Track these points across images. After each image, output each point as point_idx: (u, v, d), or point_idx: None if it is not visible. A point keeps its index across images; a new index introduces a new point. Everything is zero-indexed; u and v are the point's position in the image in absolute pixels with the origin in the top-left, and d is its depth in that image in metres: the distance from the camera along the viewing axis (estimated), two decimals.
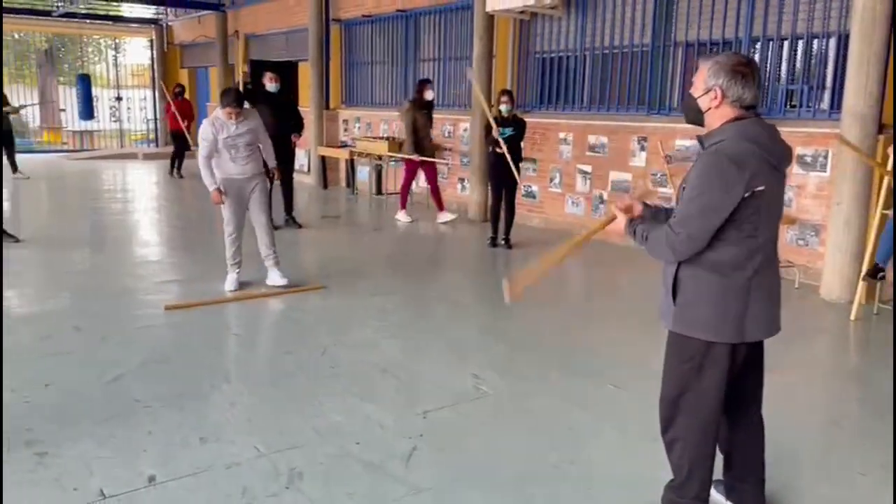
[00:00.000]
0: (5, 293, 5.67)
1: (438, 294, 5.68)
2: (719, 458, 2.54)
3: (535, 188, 8.60)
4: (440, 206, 8.86)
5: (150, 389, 3.62)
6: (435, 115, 10.09)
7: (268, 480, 2.78)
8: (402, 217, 8.82)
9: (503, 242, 7.28)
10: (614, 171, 7.65)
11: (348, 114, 12.16)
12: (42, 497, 2.62)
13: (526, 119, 7.41)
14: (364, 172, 11.17)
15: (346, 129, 12.21)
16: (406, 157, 8.73)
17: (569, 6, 8.14)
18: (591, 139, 7.89)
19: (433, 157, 8.83)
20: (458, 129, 9.74)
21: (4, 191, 7.27)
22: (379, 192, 10.58)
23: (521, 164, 7.28)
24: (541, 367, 4.10)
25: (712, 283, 2.25)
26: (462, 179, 9.69)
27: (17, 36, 21.23)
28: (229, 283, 5.49)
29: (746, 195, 2.14)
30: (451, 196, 9.93)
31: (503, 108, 7.07)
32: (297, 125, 8.25)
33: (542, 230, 8.18)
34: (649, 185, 7.20)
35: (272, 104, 7.65)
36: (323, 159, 11.90)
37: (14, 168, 12.03)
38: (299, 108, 8.67)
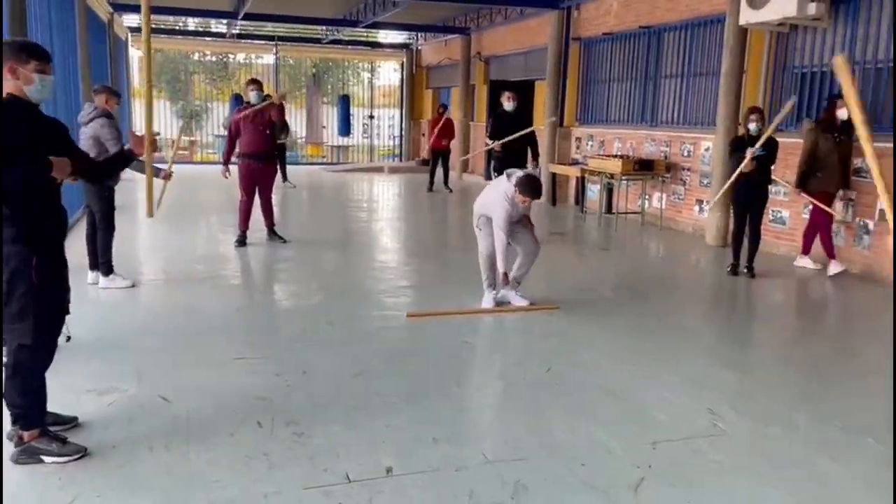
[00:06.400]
0: (276, 287, 6.48)
1: (671, 321, 5.44)
2: None
3: (785, 213, 7.89)
4: (830, 254, 6.95)
5: (390, 385, 3.89)
6: (673, 134, 9.75)
7: (494, 488, 2.85)
8: (806, 263, 7.21)
9: (745, 271, 6.76)
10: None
11: (581, 131, 12.14)
12: (299, 472, 2.93)
13: (779, 139, 6.84)
14: (594, 191, 11.06)
15: (578, 147, 12.20)
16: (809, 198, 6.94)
17: (836, 16, 7.38)
18: (857, 162, 7.05)
19: (832, 196, 6.89)
20: (698, 148, 9.27)
21: (275, 197, 8.27)
22: (609, 210, 10.40)
23: (770, 188, 6.78)
24: (785, 408, 3.75)
25: None
26: (700, 201, 9.19)
27: (291, 61, 24.17)
28: (486, 302, 5.55)
29: None
30: (687, 219, 9.47)
31: (752, 126, 6.59)
32: (534, 151, 8.45)
33: (790, 259, 7.48)
34: None
35: (509, 123, 7.91)
36: (553, 176, 11.99)
37: (284, 178, 13.66)
38: (534, 128, 8.86)
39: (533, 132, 8.73)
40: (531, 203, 5.30)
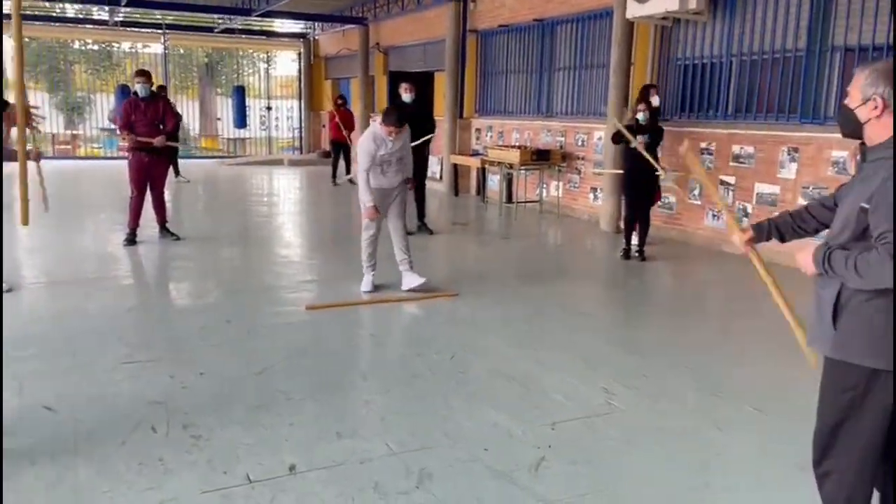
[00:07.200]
0: (171, 286, 6.23)
1: (568, 305, 5.61)
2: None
3: (672, 199, 8.29)
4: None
5: (293, 382, 3.83)
6: (567, 124, 10.03)
7: (399, 478, 2.86)
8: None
9: (637, 255, 7.08)
10: (760, 184, 7.24)
11: (481, 122, 12.29)
12: (196, 477, 2.83)
13: (666, 128, 7.19)
14: (494, 181, 11.25)
15: (478, 138, 12.35)
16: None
17: (714, 11, 7.80)
18: (736, 149, 7.51)
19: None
20: (591, 137, 9.59)
21: (167, 193, 7.93)
22: (509, 200, 10.61)
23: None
24: (674, 384, 3.95)
25: (880, 305, 2.07)
26: (595, 189, 9.52)
27: (181, 51, 23.20)
28: (365, 284, 5.68)
29: None
30: (582, 206, 9.79)
31: (640, 116, 6.89)
32: (431, 128, 8.49)
33: (679, 243, 7.89)
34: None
35: (407, 114, 7.87)
36: (455, 167, 12.10)
37: (176, 172, 13.12)
38: (435, 118, 8.89)
39: (430, 115, 8.78)
40: (401, 136, 5.42)
